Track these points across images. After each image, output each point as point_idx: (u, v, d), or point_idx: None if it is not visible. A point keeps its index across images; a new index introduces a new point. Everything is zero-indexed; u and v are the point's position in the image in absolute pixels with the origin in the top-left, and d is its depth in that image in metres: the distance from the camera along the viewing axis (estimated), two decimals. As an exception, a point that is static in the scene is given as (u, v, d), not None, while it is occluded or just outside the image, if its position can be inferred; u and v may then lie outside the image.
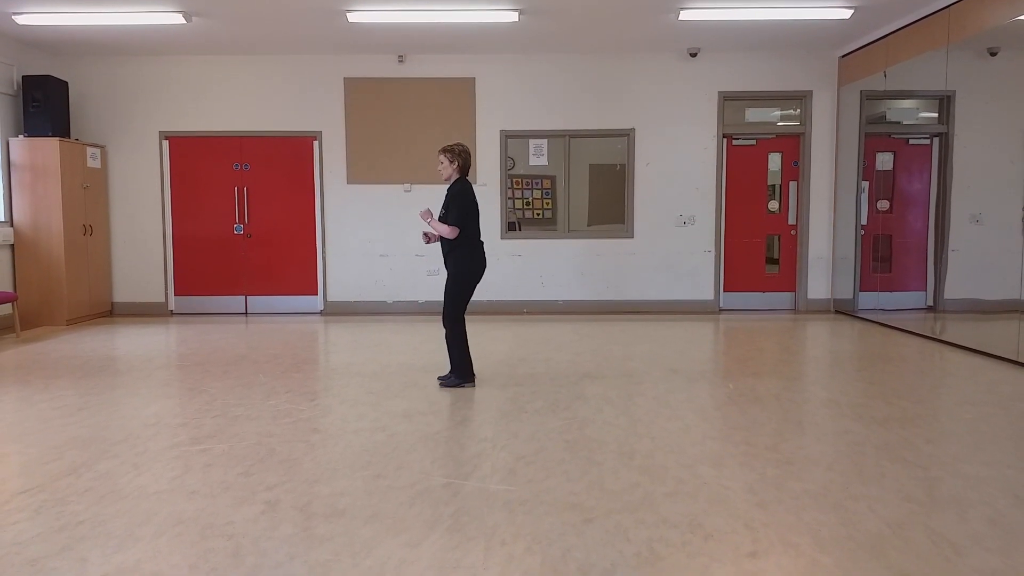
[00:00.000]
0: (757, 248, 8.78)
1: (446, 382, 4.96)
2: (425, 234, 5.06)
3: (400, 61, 8.46)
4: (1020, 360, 5.51)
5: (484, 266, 4.91)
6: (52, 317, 7.73)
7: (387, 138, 8.57)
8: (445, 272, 4.97)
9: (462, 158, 4.87)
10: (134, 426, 4.03)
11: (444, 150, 4.88)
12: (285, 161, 8.64)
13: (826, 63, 8.48)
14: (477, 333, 7.15)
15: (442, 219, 4.87)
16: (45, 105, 7.62)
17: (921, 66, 6.81)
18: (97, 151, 8.34)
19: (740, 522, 2.73)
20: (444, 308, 4.87)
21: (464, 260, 4.83)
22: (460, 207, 4.77)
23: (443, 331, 5.28)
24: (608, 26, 7.32)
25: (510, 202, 8.72)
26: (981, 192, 6.07)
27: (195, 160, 8.63)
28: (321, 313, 8.72)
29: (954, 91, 6.36)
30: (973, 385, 4.90)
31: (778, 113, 8.66)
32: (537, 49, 8.26)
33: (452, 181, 4.90)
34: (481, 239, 4.93)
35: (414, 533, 2.65)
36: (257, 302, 8.78)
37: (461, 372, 4.92)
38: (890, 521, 2.73)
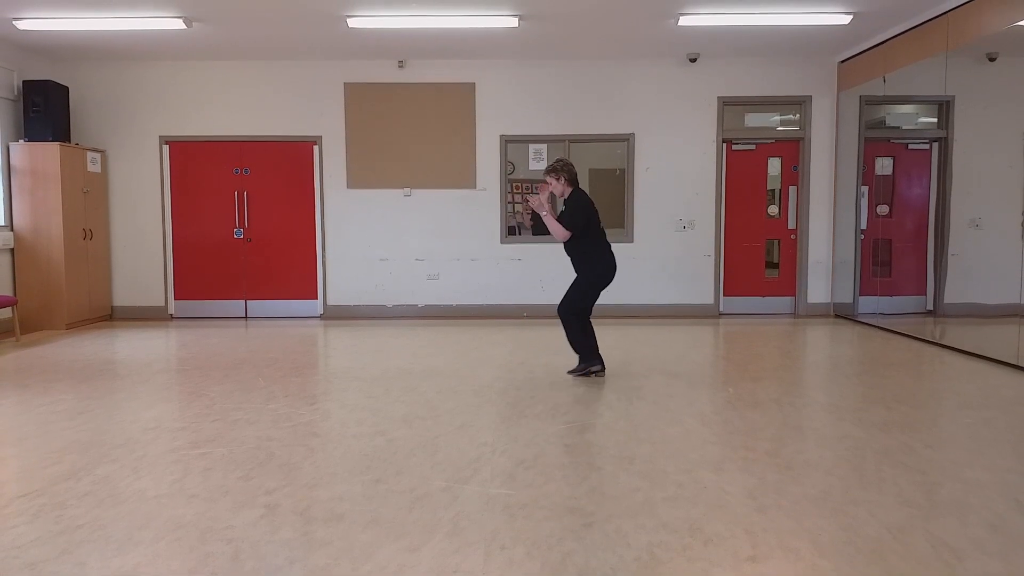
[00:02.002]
0: (757, 252, 8.78)
1: (575, 371, 5.20)
2: (527, 200, 5.09)
3: (400, 66, 8.47)
4: (1020, 364, 5.51)
5: (613, 270, 5.09)
6: (52, 321, 7.73)
7: (387, 143, 8.58)
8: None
9: (567, 171, 5.05)
10: (133, 430, 4.02)
11: (548, 171, 5.09)
12: (285, 166, 8.65)
13: (825, 68, 8.50)
14: (477, 338, 7.15)
15: (563, 224, 5.02)
16: (45, 110, 7.63)
17: (920, 71, 6.83)
18: (97, 155, 8.35)
19: (740, 527, 2.73)
20: (563, 299, 5.09)
21: (595, 266, 5.04)
22: (576, 213, 4.96)
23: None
24: (608, 31, 7.34)
25: (510, 206, 8.73)
26: (980, 196, 6.08)
27: (195, 164, 8.64)
28: (321, 317, 8.72)
29: (953, 96, 6.37)
30: (973, 389, 4.90)
31: (777, 118, 8.67)
32: (537, 54, 8.28)
33: (568, 194, 5.08)
34: (608, 242, 5.13)
35: (413, 538, 2.65)
36: (257, 306, 8.78)
37: (586, 356, 5.13)
38: (890, 526, 2.73)
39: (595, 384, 5.07)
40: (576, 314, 5.11)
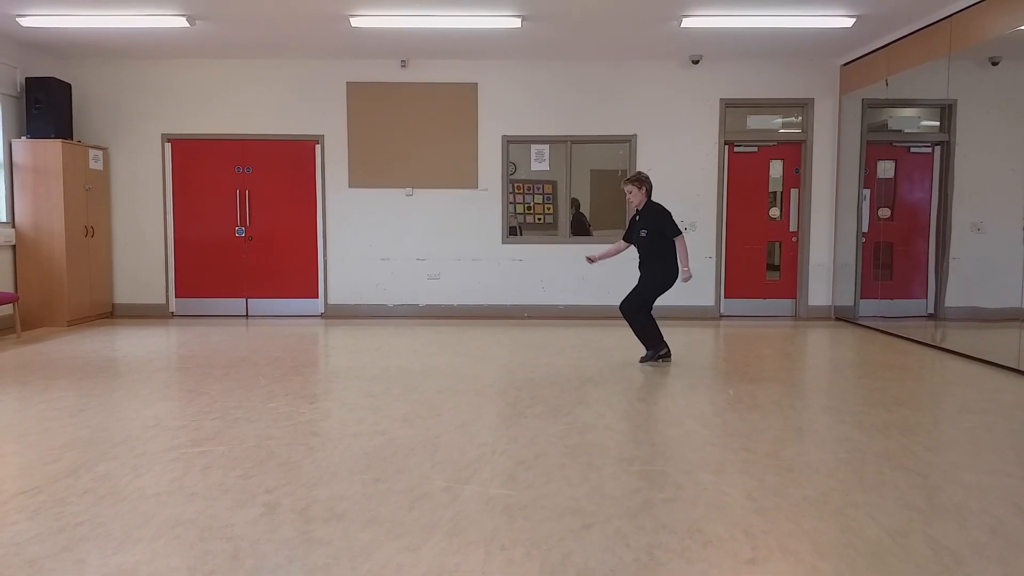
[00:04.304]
0: (758, 255, 8.78)
1: (645, 358, 5.78)
2: (589, 258, 6.00)
3: (403, 66, 8.47)
4: (1021, 368, 5.51)
5: (677, 272, 5.68)
6: (53, 318, 7.73)
7: (389, 142, 8.58)
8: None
9: (648, 183, 5.68)
10: (134, 428, 4.03)
11: (631, 181, 5.65)
12: (287, 164, 8.65)
13: (828, 71, 8.50)
14: (477, 337, 7.15)
15: (646, 236, 5.61)
16: (48, 107, 7.63)
17: (923, 75, 6.83)
18: (99, 153, 8.35)
19: (739, 529, 2.73)
20: (632, 300, 5.68)
21: (667, 269, 5.62)
22: (670, 220, 5.59)
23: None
24: (610, 33, 7.34)
25: (511, 207, 8.73)
26: (982, 201, 6.08)
27: (197, 162, 8.64)
28: (322, 316, 8.72)
29: (955, 100, 6.37)
30: (974, 393, 4.90)
31: (780, 120, 8.67)
32: (539, 55, 8.28)
33: (644, 204, 5.67)
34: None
35: (413, 537, 2.65)
36: (258, 305, 8.78)
37: (655, 343, 5.73)
38: (890, 529, 2.73)
39: (597, 385, 5.07)
40: (640, 310, 5.69)
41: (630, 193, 5.67)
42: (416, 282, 8.72)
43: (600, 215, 8.78)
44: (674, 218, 5.67)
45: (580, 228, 8.81)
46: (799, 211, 8.67)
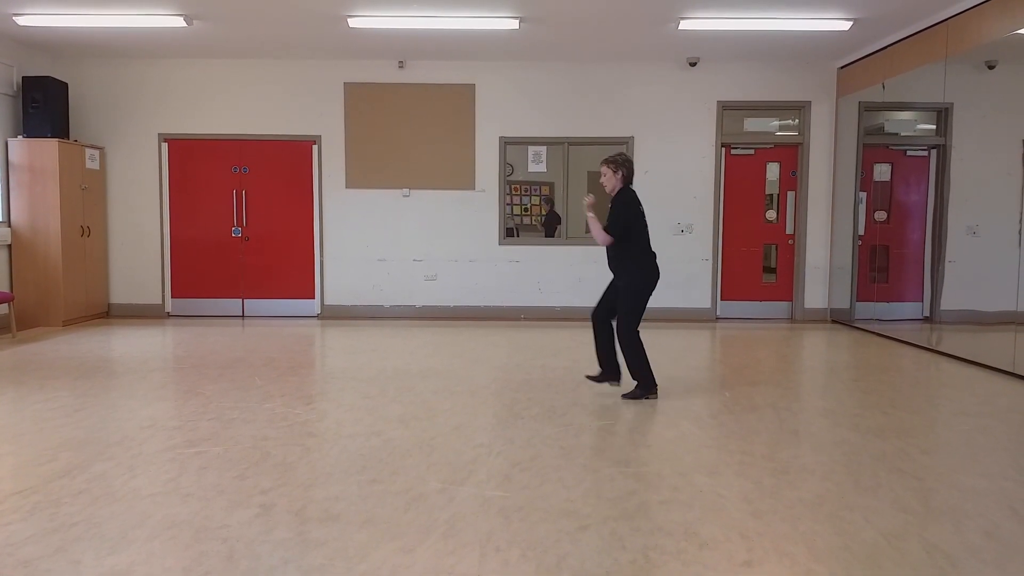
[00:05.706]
0: (754, 257, 8.79)
1: (629, 395, 4.75)
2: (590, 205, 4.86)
3: (400, 67, 8.47)
4: (1016, 372, 5.52)
5: (656, 276, 4.73)
6: (48, 318, 7.71)
7: (386, 143, 8.58)
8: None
9: (625, 167, 4.77)
10: (129, 428, 4.01)
11: (606, 162, 4.78)
12: (284, 165, 8.64)
13: (825, 74, 8.51)
14: (474, 339, 7.15)
15: (606, 228, 4.70)
16: (44, 106, 7.61)
17: (919, 78, 6.85)
18: (96, 152, 8.33)
19: (735, 531, 2.73)
20: (618, 321, 4.69)
21: (634, 272, 4.67)
22: (623, 217, 4.65)
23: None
24: (608, 34, 7.35)
25: (508, 208, 8.73)
26: (978, 204, 6.09)
27: (194, 163, 8.62)
28: (318, 317, 8.71)
29: (952, 103, 6.39)
30: (969, 396, 4.91)
31: (777, 123, 8.69)
32: (537, 57, 8.28)
33: (616, 191, 4.78)
34: (652, 249, 4.76)
35: (409, 538, 2.65)
36: (254, 305, 8.76)
37: (644, 384, 4.72)
38: (885, 532, 2.73)
39: (592, 387, 5.07)
40: (635, 333, 4.68)
41: (604, 175, 4.77)
42: (413, 283, 8.72)
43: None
44: (626, 217, 4.64)
45: (552, 227, 8.80)
46: (795, 214, 8.68)
